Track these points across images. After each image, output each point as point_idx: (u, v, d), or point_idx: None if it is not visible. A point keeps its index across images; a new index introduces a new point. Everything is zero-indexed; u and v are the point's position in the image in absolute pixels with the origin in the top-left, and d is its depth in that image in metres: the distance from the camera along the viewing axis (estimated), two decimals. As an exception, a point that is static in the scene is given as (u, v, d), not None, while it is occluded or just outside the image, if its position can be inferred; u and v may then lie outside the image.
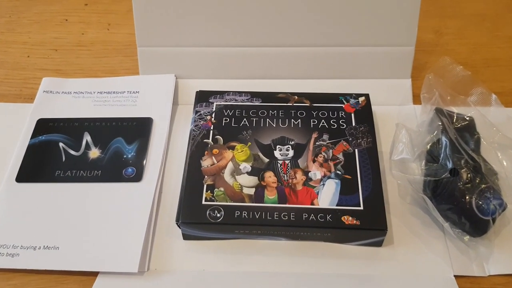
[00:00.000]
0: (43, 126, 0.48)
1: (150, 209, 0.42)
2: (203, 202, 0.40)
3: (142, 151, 0.46)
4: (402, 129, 0.41)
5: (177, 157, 0.46)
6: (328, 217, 0.38)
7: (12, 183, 0.44)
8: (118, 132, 0.47)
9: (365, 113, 0.45)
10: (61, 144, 0.46)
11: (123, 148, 0.46)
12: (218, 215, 0.39)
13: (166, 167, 0.45)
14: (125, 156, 0.45)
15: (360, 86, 0.49)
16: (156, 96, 0.50)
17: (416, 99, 0.50)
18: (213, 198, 0.40)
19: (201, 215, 0.39)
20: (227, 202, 0.39)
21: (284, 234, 0.40)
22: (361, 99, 0.46)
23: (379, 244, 0.40)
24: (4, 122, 0.50)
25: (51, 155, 0.46)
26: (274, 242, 0.40)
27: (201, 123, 0.45)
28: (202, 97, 0.47)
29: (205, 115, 0.46)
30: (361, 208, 0.39)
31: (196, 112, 0.46)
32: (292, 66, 0.50)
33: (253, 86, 0.49)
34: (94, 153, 0.46)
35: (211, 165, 0.42)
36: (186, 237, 0.40)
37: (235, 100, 0.47)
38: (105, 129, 0.48)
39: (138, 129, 0.47)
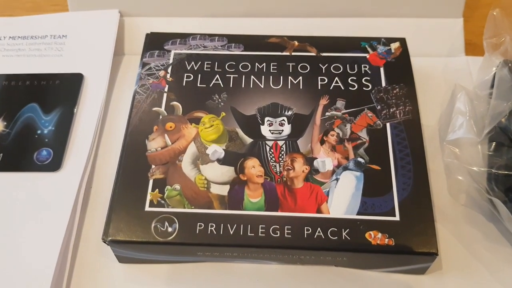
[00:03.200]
0: None
1: (70, 213, 0.28)
2: (147, 208, 0.25)
3: (65, 125, 0.31)
4: (461, 93, 0.27)
5: (117, 134, 0.31)
6: (344, 234, 0.24)
7: None
8: (32, 96, 0.32)
9: (400, 67, 0.30)
10: None
11: (38, 119, 0.31)
12: (170, 229, 0.25)
13: (100, 150, 0.31)
14: (39, 132, 0.31)
15: (390, 28, 0.34)
16: (90, 42, 0.35)
17: (470, 48, 0.35)
18: (162, 202, 0.25)
19: (143, 229, 0.24)
20: (185, 208, 0.25)
21: (275, 258, 0.26)
22: (394, 45, 0.31)
23: (421, 271, 0.26)
24: None
25: None
26: (260, 266, 0.27)
27: (150, 81, 0.30)
28: (154, 42, 0.31)
29: (156, 70, 0.30)
30: (397, 218, 0.25)
31: (144, 65, 0.31)
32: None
33: (232, 27, 0.33)
34: (-5, 126, 0.31)
35: (162, 148, 0.27)
36: (122, 259, 0.27)
37: (204, 47, 0.31)
38: (15, 91, 0.32)
39: (62, 91, 0.32)
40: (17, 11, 0.40)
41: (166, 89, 0.29)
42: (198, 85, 0.30)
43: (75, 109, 0.32)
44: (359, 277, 0.26)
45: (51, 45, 0.35)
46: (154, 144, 0.27)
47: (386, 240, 0.24)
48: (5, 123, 0.31)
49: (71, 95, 0.32)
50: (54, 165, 0.29)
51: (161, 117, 0.28)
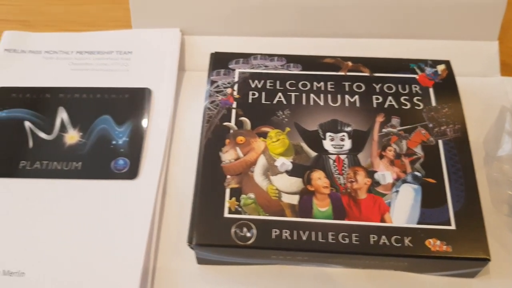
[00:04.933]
0: (4, 97, 0.35)
1: (150, 218, 0.30)
2: (226, 215, 0.28)
3: (138, 136, 0.33)
4: (506, 113, 0.29)
5: (184, 144, 0.34)
6: (406, 241, 0.27)
7: (-41, 178, 0.32)
8: (104, 108, 0.35)
9: (447, 87, 0.32)
10: (27, 124, 0.34)
11: (112, 130, 0.34)
12: (249, 234, 0.27)
13: (170, 159, 0.33)
14: (114, 142, 0.33)
15: (433, 49, 0.37)
16: (155, 58, 0.37)
17: (505, 69, 0.38)
18: (239, 209, 0.28)
19: (224, 234, 0.27)
20: (259, 215, 0.28)
21: (341, 262, 0.28)
22: (440, 67, 0.34)
23: (472, 275, 0.29)
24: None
25: (14, 139, 0.33)
26: (325, 269, 0.29)
27: (219, 98, 0.32)
28: (220, 61, 0.34)
29: (224, 87, 0.33)
30: (453, 227, 0.27)
31: (212, 82, 0.33)
32: (342, 20, 0.36)
33: (289, 47, 0.36)
34: (72, 137, 0.33)
35: (235, 160, 0.30)
36: (201, 261, 0.29)
37: (265, 66, 0.34)
38: (87, 103, 0.35)
39: (132, 104, 0.35)
40: (74, 25, 0.42)
41: (234, 105, 0.32)
42: (263, 102, 0.32)
43: (146, 121, 0.34)
44: (414, 280, 0.29)
45: (117, 61, 0.37)
46: (228, 156, 0.30)
47: (444, 247, 0.27)
48: (80, 133, 0.34)
49: (141, 108, 0.35)
50: (132, 173, 0.32)
51: (231, 131, 0.31)
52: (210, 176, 0.29)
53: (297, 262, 0.29)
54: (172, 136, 0.34)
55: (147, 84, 0.36)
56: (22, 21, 0.42)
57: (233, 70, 0.34)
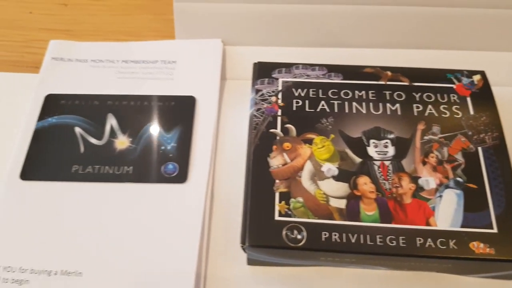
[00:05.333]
0: (54, 104, 0.37)
1: (201, 221, 0.32)
2: (276, 218, 0.29)
3: (185, 142, 0.35)
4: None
5: (229, 150, 0.35)
6: (451, 243, 0.28)
7: (16, 181, 0.33)
8: (151, 115, 0.36)
9: (484, 97, 0.34)
10: (77, 130, 0.36)
11: (160, 136, 0.35)
12: (299, 236, 0.28)
13: (216, 164, 0.35)
14: (162, 148, 0.35)
15: (467, 60, 0.38)
16: (198, 67, 0.39)
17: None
18: (289, 212, 0.29)
19: (276, 236, 0.28)
20: (309, 218, 0.29)
21: (386, 264, 0.30)
22: (476, 78, 0.35)
23: (510, 277, 0.30)
24: (3, 98, 0.39)
25: (65, 144, 0.35)
26: (370, 271, 0.30)
27: (265, 106, 0.34)
28: (263, 70, 0.36)
29: (269, 96, 0.34)
30: (495, 230, 0.28)
31: (257, 91, 0.35)
32: (380, 31, 0.38)
33: (328, 57, 0.37)
34: (122, 142, 0.35)
35: (282, 165, 0.31)
36: (251, 261, 0.30)
37: (307, 75, 0.36)
38: (135, 110, 0.36)
39: (178, 112, 0.36)
40: (116, 35, 0.44)
41: (279, 113, 0.33)
42: (307, 109, 0.33)
43: (192, 128, 0.36)
44: (457, 281, 0.30)
45: (162, 70, 0.39)
46: (275, 161, 0.31)
47: (487, 249, 0.28)
48: (130, 139, 0.35)
49: (186, 115, 0.36)
50: (181, 177, 0.33)
51: (278, 137, 0.32)
52: (259, 181, 0.30)
53: (343, 264, 0.30)
54: (217, 142, 0.36)
55: (191, 92, 0.37)
56: (65, 30, 0.44)
57: (277, 79, 0.35)
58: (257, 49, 0.39)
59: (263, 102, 0.34)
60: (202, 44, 0.40)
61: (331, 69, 0.36)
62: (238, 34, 0.40)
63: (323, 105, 0.34)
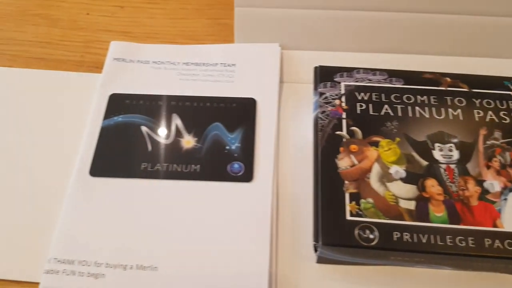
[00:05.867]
0: (118, 103, 0.38)
1: (269, 219, 0.33)
2: (348, 217, 0.30)
3: (249, 142, 0.36)
4: None
5: (291, 151, 0.36)
6: (520, 245, 0.29)
7: (86, 178, 0.34)
8: (215, 116, 0.37)
9: (542, 104, 0.35)
10: (144, 129, 0.37)
11: (224, 136, 0.36)
12: (371, 236, 0.29)
13: (279, 164, 0.36)
14: (227, 148, 0.36)
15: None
16: (257, 71, 0.40)
17: None
18: (360, 213, 0.30)
19: (348, 235, 0.29)
20: (379, 218, 0.30)
21: (453, 264, 0.30)
22: (534, 85, 0.36)
23: None
24: (67, 96, 0.40)
25: (133, 142, 0.36)
26: (435, 271, 0.31)
27: (329, 109, 0.35)
28: (325, 74, 0.37)
29: (332, 99, 0.36)
30: (561, 233, 0.29)
31: (321, 94, 0.36)
32: (438, 38, 0.39)
33: (387, 63, 0.38)
34: (188, 141, 0.36)
35: (351, 167, 0.32)
36: (321, 260, 0.31)
37: (369, 80, 0.37)
38: (198, 111, 0.38)
39: (240, 113, 0.37)
40: (176, 38, 0.45)
41: (344, 116, 0.34)
42: (371, 113, 0.35)
43: (254, 129, 0.37)
44: (521, 282, 0.31)
45: (223, 72, 0.40)
46: (343, 163, 0.32)
47: (554, 251, 0.29)
48: (195, 138, 0.36)
49: (248, 116, 0.37)
50: (247, 176, 0.34)
51: (344, 140, 0.33)
52: (329, 181, 0.31)
53: (412, 263, 0.31)
54: (279, 142, 0.37)
55: (251, 94, 0.39)
56: (123, 32, 0.45)
57: (339, 82, 0.36)
58: (312, 54, 0.40)
59: (327, 105, 0.35)
60: (260, 48, 0.41)
61: (392, 74, 0.37)
62: (295, 39, 0.41)
63: (386, 109, 0.35)
